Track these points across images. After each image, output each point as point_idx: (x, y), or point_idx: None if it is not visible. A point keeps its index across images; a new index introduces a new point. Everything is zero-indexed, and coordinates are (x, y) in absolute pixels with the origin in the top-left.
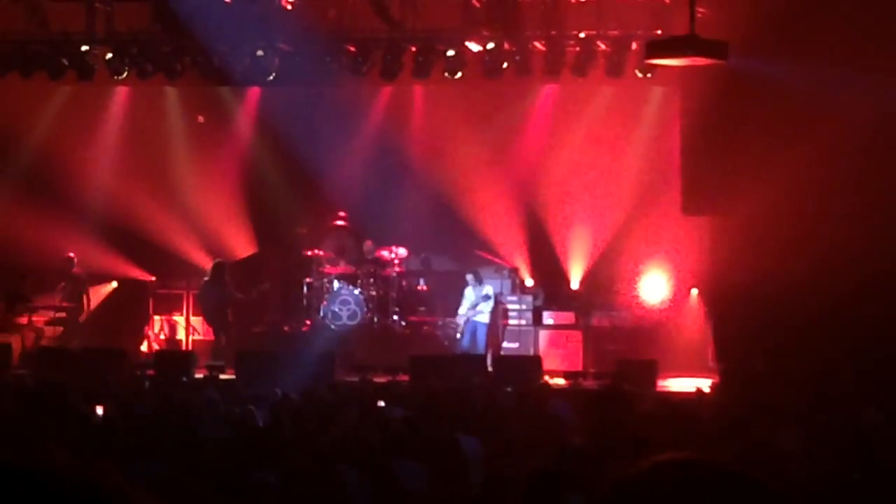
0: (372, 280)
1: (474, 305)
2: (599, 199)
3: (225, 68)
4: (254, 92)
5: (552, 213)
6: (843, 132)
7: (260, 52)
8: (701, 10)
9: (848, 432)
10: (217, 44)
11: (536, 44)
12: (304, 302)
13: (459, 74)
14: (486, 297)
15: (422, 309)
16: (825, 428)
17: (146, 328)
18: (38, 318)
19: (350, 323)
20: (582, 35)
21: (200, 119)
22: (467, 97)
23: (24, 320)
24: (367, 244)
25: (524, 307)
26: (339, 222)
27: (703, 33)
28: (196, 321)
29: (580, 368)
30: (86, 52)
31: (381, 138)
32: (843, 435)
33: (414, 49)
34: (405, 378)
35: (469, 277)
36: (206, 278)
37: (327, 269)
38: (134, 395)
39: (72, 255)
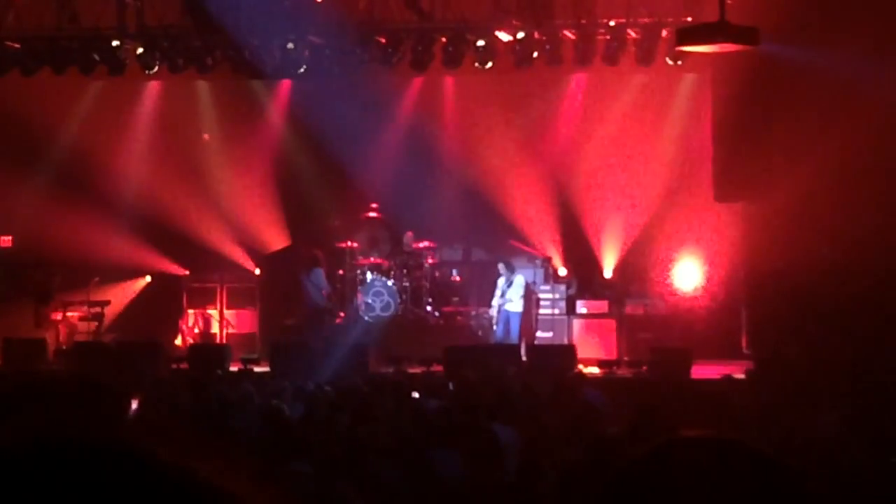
0: (405, 271)
1: (503, 294)
2: (632, 187)
3: (256, 61)
4: (285, 84)
5: (585, 201)
6: (875, 117)
7: (290, 45)
8: None
9: (884, 417)
10: (248, 37)
11: (566, 32)
12: (338, 294)
13: (490, 64)
14: (510, 284)
15: (455, 299)
16: (861, 413)
17: (180, 322)
18: (72, 313)
19: (384, 314)
20: (612, 23)
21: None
22: (498, 87)
23: (57, 315)
24: (408, 235)
25: (557, 296)
26: (372, 214)
27: (734, 19)
28: (229, 314)
29: (614, 357)
30: (117, 47)
31: (413, 129)
32: (879, 420)
33: (444, 39)
34: (440, 368)
35: (500, 267)
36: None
37: (360, 260)
38: (169, 389)
39: None
